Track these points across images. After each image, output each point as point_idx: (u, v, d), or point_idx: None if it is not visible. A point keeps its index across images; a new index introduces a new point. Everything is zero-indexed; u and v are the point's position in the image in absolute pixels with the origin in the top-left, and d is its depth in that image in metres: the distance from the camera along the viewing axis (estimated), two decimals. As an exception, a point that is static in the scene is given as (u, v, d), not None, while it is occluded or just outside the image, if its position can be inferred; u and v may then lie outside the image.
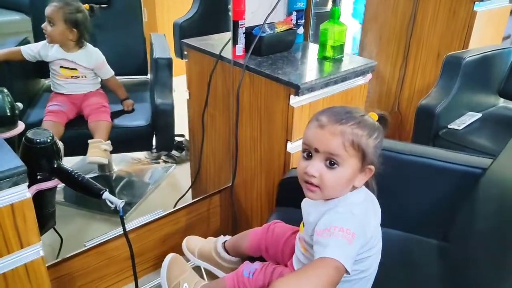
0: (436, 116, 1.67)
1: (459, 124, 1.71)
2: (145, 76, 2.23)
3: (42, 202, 1.07)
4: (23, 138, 1.00)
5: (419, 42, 2.20)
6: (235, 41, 1.50)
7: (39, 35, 1.90)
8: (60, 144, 1.07)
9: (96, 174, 2.20)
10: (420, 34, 2.18)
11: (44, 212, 1.10)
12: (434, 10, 2.11)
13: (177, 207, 1.72)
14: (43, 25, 1.75)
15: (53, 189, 1.07)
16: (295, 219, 1.16)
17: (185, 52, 1.74)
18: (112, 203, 1.01)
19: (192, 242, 1.39)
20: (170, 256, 1.29)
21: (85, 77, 1.87)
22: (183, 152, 2.46)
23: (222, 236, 1.34)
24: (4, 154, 0.90)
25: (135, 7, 2.09)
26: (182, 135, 2.46)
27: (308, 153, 0.92)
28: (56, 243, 1.63)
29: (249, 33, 1.52)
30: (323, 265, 0.81)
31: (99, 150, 1.77)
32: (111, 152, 1.85)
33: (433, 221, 1.25)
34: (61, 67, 1.83)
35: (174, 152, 2.49)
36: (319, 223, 0.90)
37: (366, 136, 0.89)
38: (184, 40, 1.73)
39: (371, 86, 2.42)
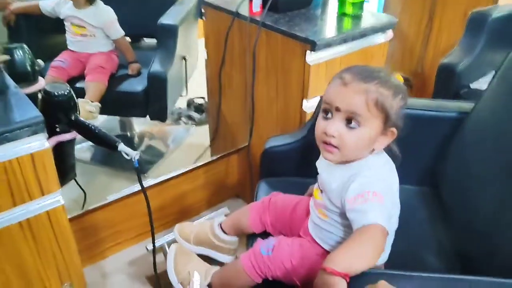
0: (457, 75, 1.62)
1: (482, 83, 1.65)
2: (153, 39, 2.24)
3: (62, 154, 1.11)
4: (42, 92, 1.02)
5: (445, 0, 2.11)
6: (251, -3, 1.48)
7: None
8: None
9: (117, 134, 2.26)
10: (447, -9, 2.09)
11: (64, 163, 1.14)
12: (462, -36, 2.02)
13: (195, 165, 1.75)
14: None
15: (72, 141, 1.11)
16: (287, 188, 1.19)
17: (203, 11, 1.72)
18: (127, 154, 1.04)
19: (185, 230, 1.27)
20: (173, 247, 1.19)
21: (94, 36, 1.90)
22: (203, 114, 2.49)
23: (216, 218, 1.26)
24: (24, 106, 0.93)
25: None
26: (202, 97, 2.48)
27: (328, 112, 0.89)
28: (80, 198, 1.71)
29: (266, -11, 1.49)
30: (371, 232, 0.80)
31: (83, 110, 1.78)
32: (102, 113, 1.88)
33: (426, 171, 1.24)
34: (72, 24, 1.87)
35: (193, 114, 2.52)
36: (349, 189, 0.87)
37: (392, 96, 0.86)
38: (203, -1, 1.72)
39: (394, 46, 2.36)
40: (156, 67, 1.82)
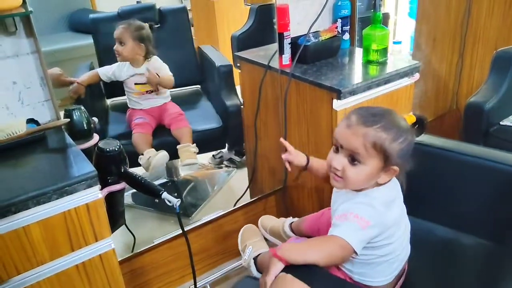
0: (485, 113, 1.64)
1: (512, 120, 1.67)
2: (196, 86, 2.47)
3: (113, 202, 1.25)
4: (95, 148, 1.17)
5: (475, 37, 2.15)
6: (281, 51, 1.61)
7: (102, 58, 2.16)
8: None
9: (165, 180, 2.42)
10: (476, 29, 2.14)
11: (115, 211, 1.27)
12: (489, 3, 2.06)
13: (235, 207, 1.85)
14: (115, 47, 2.00)
15: (122, 191, 1.24)
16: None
17: (238, 64, 1.87)
18: (170, 202, 1.15)
19: (265, 221, 1.56)
20: (245, 226, 1.53)
21: (158, 89, 2.08)
22: (243, 157, 2.60)
23: (290, 217, 1.49)
24: (80, 162, 1.08)
25: (184, 24, 2.31)
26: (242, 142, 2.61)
27: (337, 147, 1.01)
28: (130, 242, 1.84)
29: (295, 43, 1.62)
30: (328, 240, 0.94)
31: (190, 153, 1.99)
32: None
33: (481, 221, 1.24)
34: (135, 84, 2.06)
35: (234, 157, 2.65)
36: (338, 209, 1.01)
37: (391, 139, 0.96)
38: (237, 53, 1.87)
39: (427, 84, 2.40)
40: (229, 102, 2.07)
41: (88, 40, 2.25)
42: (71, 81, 1.96)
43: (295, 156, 1.29)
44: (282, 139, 1.29)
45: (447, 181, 1.23)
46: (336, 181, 1.02)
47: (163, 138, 2.05)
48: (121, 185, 1.19)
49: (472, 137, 1.69)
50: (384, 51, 1.59)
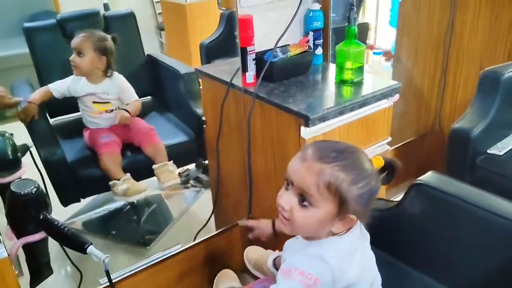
0: (472, 142, 1.48)
1: (500, 148, 1.50)
2: (147, 97, 2.28)
3: (33, 253, 1.04)
4: (8, 191, 0.96)
5: (459, 53, 2.00)
6: (244, 68, 1.42)
7: (42, 74, 1.95)
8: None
9: (123, 203, 2.20)
10: (460, 44, 1.98)
11: (37, 262, 1.06)
12: (474, 15, 1.91)
13: (195, 241, 1.65)
14: (71, 58, 1.77)
15: (43, 240, 1.03)
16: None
17: (199, 80, 1.68)
18: (96, 257, 0.95)
19: (251, 253, 1.43)
20: (223, 270, 1.45)
21: (118, 108, 1.87)
22: (212, 176, 2.41)
23: (276, 251, 1.32)
24: (-22, 213, 0.87)
25: (132, 31, 2.13)
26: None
27: (288, 183, 0.86)
28: (76, 276, 1.63)
29: (260, 59, 1.43)
30: None
31: (169, 172, 1.82)
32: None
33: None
34: (94, 102, 1.84)
35: (202, 176, 2.44)
36: (286, 260, 0.88)
37: (349, 182, 0.80)
38: (198, 68, 1.68)
39: (408, 102, 2.24)
40: (200, 111, 1.88)
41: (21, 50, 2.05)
42: (16, 102, 1.73)
43: (261, 230, 1.19)
44: (240, 222, 1.20)
45: (449, 232, 1.02)
46: (283, 224, 0.87)
47: (133, 157, 1.87)
48: (40, 234, 0.98)
49: (456, 168, 1.52)
50: (359, 70, 1.42)
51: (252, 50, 1.40)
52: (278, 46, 1.43)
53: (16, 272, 0.94)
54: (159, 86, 2.26)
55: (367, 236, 0.90)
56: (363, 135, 1.41)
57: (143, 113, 2.09)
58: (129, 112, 1.83)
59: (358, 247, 0.87)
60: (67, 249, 1.26)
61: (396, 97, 1.45)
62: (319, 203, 0.80)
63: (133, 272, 1.48)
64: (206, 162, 2.41)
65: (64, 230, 0.96)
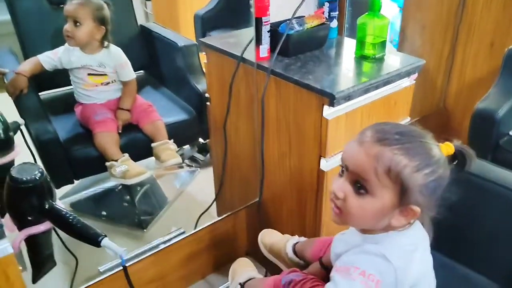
0: (497, 123, 1.42)
1: (525, 130, 1.46)
2: (140, 72, 2.13)
3: (36, 245, 0.93)
4: (7, 177, 0.84)
5: (470, 29, 1.92)
6: (258, 41, 1.30)
7: (26, 45, 1.78)
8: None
9: (116, 183, 2.07)
10: (471, 20, 1.91)
11: (40, 255, 0.95)
12: (488, -8, 1.84)
13: (200, 227, 1.56)
14: (65, 27, 1.61)
15: (47, 231, 0.92)
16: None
17: (204, 53, 1.55)
18: (113, 251, 0.85)
19: (267, 237, 1.32)
20: (239, 258, 1.29)
21: (115, 81, 1.73)
22: (207, 155, 2.30)
23: (296, 236, 1.23)
24: (-22, 204, 0.75)
25: (124, 2, 1.96)
26: (202, 139, 2.29)
27: (343, 169, 0.77)
28: (72, 262, 1.52)
29: (275, 31, 1.32)
30: None
31: (170, 151, 1.71)
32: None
33: None
34: (89, 74, 1.69)
35: (197, 155, 2.34)
36: (342, 256, 0.78)
37: (413, 167, 0.70)
38: (202, 39, 1.54)
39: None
40: (201, 87, 1.81)
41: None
42: (1, 72, 1.57)
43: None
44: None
45: (498, 224, 0.95)
46: (334, 214, 0.78)
47: (131, 135, 1.74)
48: (45, 225, 0.87)
49: (478, 149, 1.46)
50: (382, 45, 1.32)
51: (267, 21, 1.29)
52: (294, 17, 1.32)
53: (20, 268, 0.83)
54: (153, 59, 2.11)
55: (426, 235, 0.81)
56: (384, 115, 1.33)
57: (140, 89, 1.95)
58: (129, 110, 1.73)
59: (419, 245, 0.79)
60: (61, 232, 1.14)
61: (416, 75, 1.37)
62: (377, 191, 0.72)
63: (137, 259, 1.39)
64: (202, 141, 2.31)
65: (74, 221, 0.85)
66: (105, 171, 1.68)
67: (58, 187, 1.70)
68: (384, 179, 0.71)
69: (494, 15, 1.83)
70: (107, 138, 1.62)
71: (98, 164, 1.65)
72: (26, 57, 1.77)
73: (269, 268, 1.22)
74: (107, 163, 1.63)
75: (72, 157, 1.62)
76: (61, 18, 1.64)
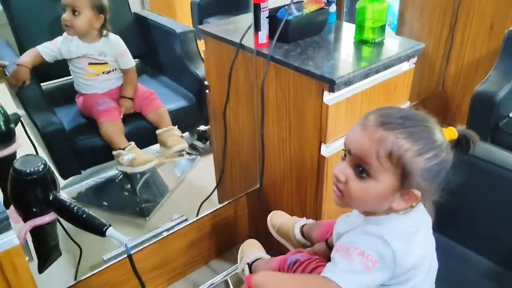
0: (496, 105, 1.42)
1: (524, 112, 1.46)
2: (136, 60, 2.07)
3: (41, 236, 0.94)
4: (11, 169, 0.84)
5: (469, 10, 1.91)
6: (257, 27, 1.29)
7: (21, 36, 1.75)
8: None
9: (116, 171, 2.08)
10: (470, 2, 1.90)
11: (45, 245, 0.96)
12: (487, -27, 1.82)
13: (201, 214, 1.57)
14: (64, 16, 1.59)
15: (52, 222, 0.92)
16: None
17: (202, 40, 1.54)
18: (117, 240, 0.85)
19: (275, 218, 1.33)
20: (248, 239, 1.32)
21: (115, 69, 1.73)
22: (207, 143, 2.30)
23: (304, 218, 1.25)
24: (-17, 197, 0.75)
25: None
26: (205, 124, 2.29)
27: (345, 153, 0.78)
28: (76, 253, 1.53)
29: (273, 17, 1.31)
30: (314, 282, 0.78)
31: (176, 137, 1.72)
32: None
33: None
34: (90, 64, 1.68)
35: (197, 143, 2.34)
36: (343, 237, 0.79)
37: (415, 151, 0.71)
38: (201, 26, 1.54)
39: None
40: (201, 72, 1.80)
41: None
42: (1, 65, 1.55)
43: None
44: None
45: (494, 205, 0.96)
46: (336, 196, 0.80)
47: (135, 124, 1.74)
48: (50, 216, 0.88)
49: (478, 131, 1.46)
50: (381, 29, 1.32)
51: (265, 7, 1.28)
52: (293, 2, 1.31)
53: (26, 258, 0.84)
54: (149, 48, 2.09)
55: (429, 217, 0.83)
56: (384, 99, 1.33)
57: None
58: (132, 99, 1.74)
59: (421, 228, 0.80)
60: (64, 222, 1.15)
61: (415, 58, 1.37)
62: (378, 175, 0.72)
63: (141, 247, 1.40)
64: (201, 128, 2.31)
65: (79, 211, 0.86)
66: (111, 160, 1.68)
67: (65, 178, 1.71)
68: (386, 162, 0.71)
69: (494, -4, 1.82)
70: (113, 127, 1.62)
71: (104, 153, 1.65)
72: (21, 48, 1.75)
73: (270, 252, 1.24)
74: (114, 152, 1.63)
75: (78, 147, 1.62)
76: (56, 8, 1.62)
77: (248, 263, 1.18)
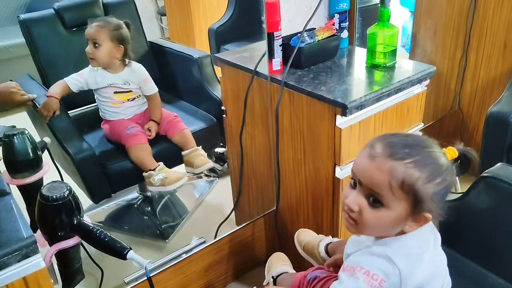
0: (510, 126, 1.43)
1: (539, 132, 1.46)
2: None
3: (66, 259, 0.98)
4: (38, 195, 0.89)
5: (482, 32, 1.93)
6: (271, 55, 1.34)
7: (45, 70, 1.84)
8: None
9: (136, 195, 2.13)
10: (483, 23, 1.91)
11: (69, 268, 1.00)
12: (499, -6, 1.84)
13: (219, 236, 1.60)
14: (86, 49, 1.68)
15: (76, 246, 0.97)
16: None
17: (219, 67, 1.60)
18: (138, 263, 0.89)
19: (302, 235, 1.36)
20: (276, 253, 1.38)
21: (140, 96, 1.81)
22: (225, 165, 2.34)
23: (329, 236, 1.28)
24: (12, 222, 0.80)
25: (132, 18, 2.00)
26: (223, 146, 2.34)
27: (354, 181, 0.80)
28: (97, 275, 1.57)
29: (287, 44, 1.36)
30: None
31: (203, 157, 1.77)
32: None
33: None
34: (115, 92, 1.75)
35: (215, 165, 2.38)
36: (350, 257, 0.83)
37: (425, 179, 0.74)
38: (217, 55, 1.60)
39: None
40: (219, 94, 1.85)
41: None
42: (30, 98, 1.62)
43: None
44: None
45: None
46: (349, 224, 0.81)
47: (161, 146, 1.80)
48: (74, 239, 0.92)
49: (493, 152, 1.47)
50: (392, 53, 1.35)
51: (278, 36, 1.33)
52: (305, 30, 1.36)
53: (51, 281, 0.88)
54: (166, 74, 2.17)
55: (438, 236, 0.85)
56: (397, 122, 1.35)
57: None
58: (158, 122, 1.80)
59: (428, 248, 0.82)
60: (86, 245, 1.20)
61: (428, 81, 1.39)
62: (391, 203, 0.75)
63: (160, 270, 1.43)
64: (219, 150, 2.36)
65: (101, 235, 0.90)
66: (139, 182, 1.73)
67: (97, 201, 1.77)
68: (398, 192, 0.74)
69: (506, 16, 1.83)
70: (142, 150, 1.69)
71: (133, 175, 1.71)
72: (45, 80, 1.84)
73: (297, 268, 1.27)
74: (145, 173, 1.68)
75: (109, 171, 1.68)
76: (77, 41, 1.72)
77: (273, 276, 1.22)
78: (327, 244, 1.22)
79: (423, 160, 0.75)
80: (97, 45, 1.65)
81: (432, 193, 0.74)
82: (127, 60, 1.75)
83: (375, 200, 0.76)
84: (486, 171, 0.91)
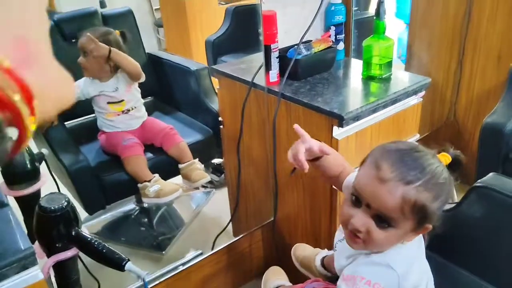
0: (505, 136, 1.44)
1: (534, 143, 1.48)
2: (149, 97, 2.18)
3: (63, 271, 0.98)
4: (37, 206, 0.89)
5: (476, 43, 1.96)
6: (268, 67, 1.36)
7: None
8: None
9: (133, 206, 2.13)
10: (477, 34, 1.94)
11: (67, 279, 1.00)
12: (493, 6, 1.87)
13: (217, 247, 1.59)
14: (78, 60, 1.69)
15: (74, 257, 0.97)
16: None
17: (216, 79, 1.61)
18: (136, 274, 0.89)
19: (299, 250, 1.36)
20: (271, 267, 1.38)
21: (134, 108, 1.80)
22: (222, 176, 2.34)
23: (325, 250, 1.27)
24: (10, 233, 0.80)
25: (131, 29, 2.00)
26: (220, 157, 2.34)
27: (358, 201, 0.77)
28: (94, 285, 1.56)
29: (283, 56, 1.37)
30: None
31: (200, 170, 1.77)
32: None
33: None
34: (108, 102, 1.76)
35: (212, 176, 2.38)
36: (349, 266, 0.82)
37: (432, 198, 0.74)
38: (215, 66, 1.61)
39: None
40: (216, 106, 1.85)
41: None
42: None
43: (311, 142, 1.01)
44: (296, 126, 1.01)
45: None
46: (354, 243, 0.80)
47: (157, 158, 1.80)
48: (72, 251, 0.92)
49: (488, 162, 1.49)
50: (388, 65, 1.37)
51: (275, 48, 1.34)
52: (301, 42, 1.37)
53: (49, 293, 0.88)
54: (164, 85, 2.18)
55: (422, 242, 0.87)
56: (394, 133, 1.36)
57: (151, 114, 2.02)
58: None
59: (418, 250, 0.84)
60: (82, 255, 1.19)
61: (423, 92, 1.41)
62: (400, 224, 0.75)
63: (157, 282, 1.42)
64: (216, 161, 2.36)
65: (99, 246, 0.90)
66: (134, 194, 1.73)
67: (91, 213, 1.76)
68: (409, 214, 0.74)
69: (500, 28, 1.86)
70: (138, 161, 1.69)
71: (128, 187, 1.71)
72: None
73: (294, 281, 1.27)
74: (140, 185, 1.68)
75: (104, 183, 1.68)
76: (76, 53, 1.72)
77: None
78: (323, 257, 1.22)
79: (429, 180, 0.74)
80: (86, 54, 1.66)
81: (437, 208, 0.76)
82: (117, 69, 1.74)
83: (383, 221, 0.75)
84: (479, 181, 0.92)
